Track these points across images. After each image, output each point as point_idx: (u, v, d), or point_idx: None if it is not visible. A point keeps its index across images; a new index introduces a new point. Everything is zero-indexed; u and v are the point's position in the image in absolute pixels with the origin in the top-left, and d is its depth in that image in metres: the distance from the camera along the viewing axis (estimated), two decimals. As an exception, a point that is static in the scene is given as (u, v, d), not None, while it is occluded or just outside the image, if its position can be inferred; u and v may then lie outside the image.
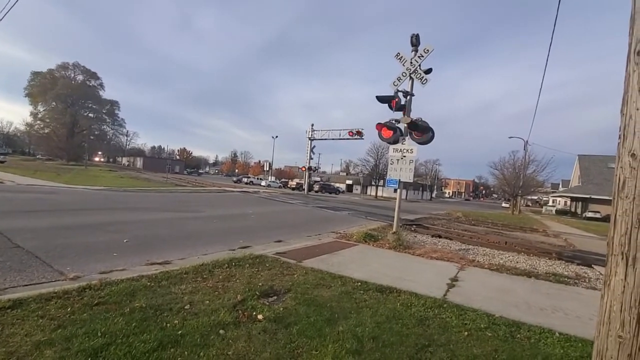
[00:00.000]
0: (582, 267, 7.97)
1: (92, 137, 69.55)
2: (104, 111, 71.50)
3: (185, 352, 2.51)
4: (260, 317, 3.25)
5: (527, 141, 36.14)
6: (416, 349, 2.91)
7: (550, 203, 61.66)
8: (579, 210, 44.19)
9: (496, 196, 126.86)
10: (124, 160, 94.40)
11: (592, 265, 8.09)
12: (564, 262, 8.42)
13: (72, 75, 66.56)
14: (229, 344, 2.71)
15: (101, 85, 69.85)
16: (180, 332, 2.80)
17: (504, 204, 67.60)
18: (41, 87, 62.81)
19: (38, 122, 66.46)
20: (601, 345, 1.50)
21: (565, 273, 7.03)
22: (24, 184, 16.36)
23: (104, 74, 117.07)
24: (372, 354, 2.77)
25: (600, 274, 7.12)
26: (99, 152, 76.36)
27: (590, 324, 3.86)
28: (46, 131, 65.89)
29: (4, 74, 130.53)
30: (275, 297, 3.92)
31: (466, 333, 3.34)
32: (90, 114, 69.96)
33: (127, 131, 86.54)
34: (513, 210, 39.41)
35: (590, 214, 37.81)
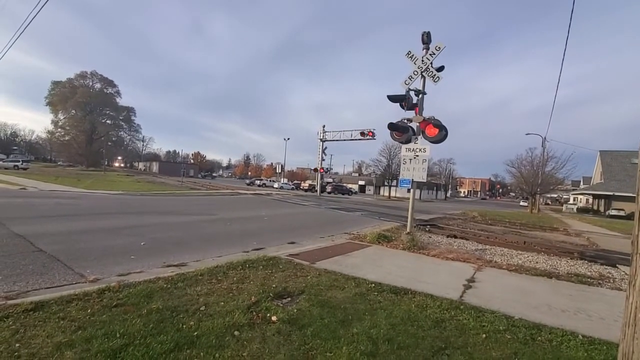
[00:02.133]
0: (606, 267, 7.69)
1: (109, 144, 71.65)
2: (121, 118, 73.63)
3: (201, 353, 2.53)
4: (274, 318, 3.26)
5: (545, 137, 35.20)
6: (432, 352, 2.86)
7: (571, 201, 59.76)
8: (601, 208, 42.71)
9: (513, 195, 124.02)
10: (141, 165, 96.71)
11: (617, 265, 7.79)
12: (586, 262, 8.14)
13: (90, 83, 68.89)
14: (243, 345, 2.73)
15: (118, 92, 72.05)
16: (196, 333, 2.84)
17: (522, 203, 66.03)
18: (61, 95, 65.18)
19: (59, 129, 69.01)
20: (627, 348, 1.44)
21: (588, 273, 6.79)
22: (46, 190, 16.95)
23: (120, 81, 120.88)
24: (387, 356, 2.73)
25: (625, 273, 6.85)
26: (119, 158, 78.46)
27: (615, 326, 3.71)
28: (66, 138, 68.28)
29: (27, 85, 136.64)
30: (289, 299, 3.92)
31: (484, 335, 3.26)
32: (107, 121, 72.19)
33: (143, 137, 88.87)
34: (532, 209, 38.39)
35: (613, 212, 36.51)
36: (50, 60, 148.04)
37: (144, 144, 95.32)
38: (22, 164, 40.85)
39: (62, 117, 68.39)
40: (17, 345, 2.45)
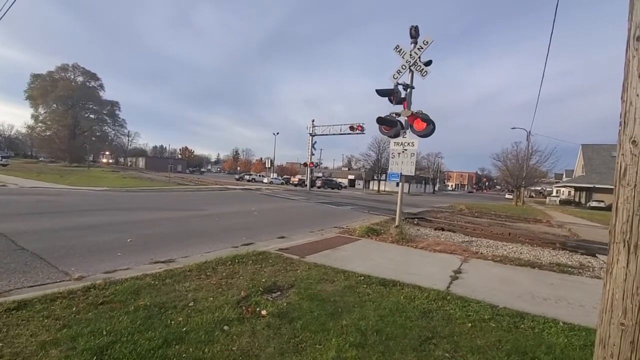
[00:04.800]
0: (586, 256, 7.95)
1: (93, 139, 69.79)
2: (105, 112, 71.70)
3: (190, 349, 2.53)
4: (264, 312, 3.27)
5: (529, 131, 35.98)
6: (420, 341, 2.92)
7: (554, 193, 61.41)
8: (582, 200, 44.02)
9: (499, 188, 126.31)
10: (128, 161, 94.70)
11: (596, 255, 8.06)
12: (567, 252, 8.39)
13: (72, 76, 66.67)
14: (233, 339, 2.73)
15: (101, 86, 70.03)
16: (184, 329, 2.82)
17: (507, 196, 67.41)
18: (41, 89, 62.96)
19: (39, 124, 66.72)
20: (604, 333, 1.50)
21: (569, 263, 7.01)
22: (27, 187, 16.45)
23: (104, 75, 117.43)
24: (375, 346, 2.78)
25: (604, 262, 7.08)
26: (107, 153, 76.52)
27: (593, 313, 3.85)
28: (48, 133, 66.14)
29: (4, 77, 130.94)
30: (278, 293, 3.93)
31: (470, 324, 3.35)
32: (91, 115, 70.23)
33: (129, 131, 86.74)
34: (516, 202, 39.29)
35: (594, 204, 37.67)
36: (30, 52, 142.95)
37: (130, 139, 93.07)
38: (1, 160, 39.55)
39: (42, 112, 66.15)
40: (0, 344, 2.39)
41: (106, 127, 74.29)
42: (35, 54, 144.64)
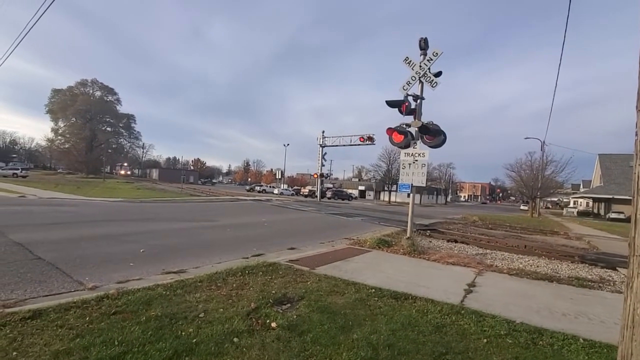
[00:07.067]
0: (606, 270, 7.67)
1: (109, 151, 71.89)
2: (121, 125, 74.02)
3: (200, 361, 2.52)
4: (273, 325, 3.25)
5: (543, 141, 35.33)
6: (433, 357, 2.84)
7: (571, 204, 59.71)
8: (601, 211, 42.69)
9: (514, 199, 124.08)
10: (144, 172, 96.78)
11: (617, 268, 7.77)
12: (587, 265, 8.11)
13: (91, 91, 69.37)
14: (242, 352, 2.71)
15: (118, 100, 72.56)
16: (194, 340, 2.82)
17: (522, 207, 66.04)
18: (61, 103, 65.60)
19: (59, 137, 69.27)
20: (625, 350, 1.44)
21: (589, 277, 6.77)
22: (45, 197, 16.94)
23: (120, 88, 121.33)
24: (387, 362, 2.71)
25: (625, 276, 6.83)
26: (125, 165, 78.47)
27: (615, 329, 3.68)
28: (66, 146, 68.48)
29: (26, 92, 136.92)
30: (288, 305, 3.91)
31: (485, 340, 3.24)
32: (107, 128, 72.57)
33: (143, 143, 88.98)
34: (532, 213, 38.36)
35: (613, 215, 36.49)
36: (50, 68, 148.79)
37: (144, 150, 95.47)
38: (21, 172, 40.92)
39: (62, 125, 68.78)
40: (15, 353, 2.43)
41: (122, 140, 76.62)
42: (55, 69, 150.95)
